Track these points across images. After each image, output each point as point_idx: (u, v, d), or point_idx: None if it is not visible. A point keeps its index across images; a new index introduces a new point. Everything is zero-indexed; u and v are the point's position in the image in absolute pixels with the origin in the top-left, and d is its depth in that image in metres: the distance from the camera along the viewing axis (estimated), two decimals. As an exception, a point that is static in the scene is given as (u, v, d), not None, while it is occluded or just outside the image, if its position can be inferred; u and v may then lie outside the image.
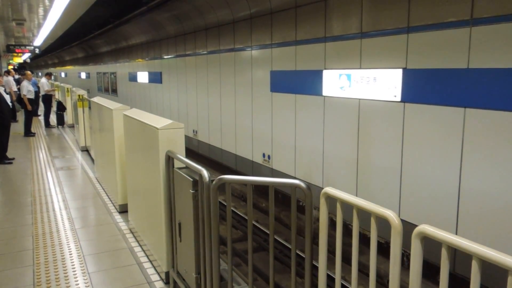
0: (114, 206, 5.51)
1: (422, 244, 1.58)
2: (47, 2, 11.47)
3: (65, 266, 3.83)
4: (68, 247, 4.25)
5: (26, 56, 33.50)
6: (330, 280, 3.41)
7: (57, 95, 15.14)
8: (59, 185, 6.56)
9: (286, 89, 7.36)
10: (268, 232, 6.40)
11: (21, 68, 40.73)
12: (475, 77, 4.20)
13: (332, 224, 4.67)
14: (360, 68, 5.67)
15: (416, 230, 1.58)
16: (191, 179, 2.84)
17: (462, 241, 1.42)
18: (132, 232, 4.61)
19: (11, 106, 9.32)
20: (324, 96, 6.43)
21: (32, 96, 12.18)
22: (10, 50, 21.63)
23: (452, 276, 3.94)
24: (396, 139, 5.20)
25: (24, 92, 11.86)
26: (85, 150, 9.36)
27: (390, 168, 5.31)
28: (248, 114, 8.70)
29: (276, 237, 6.12)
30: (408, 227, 2.12)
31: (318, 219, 2.22)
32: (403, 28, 4.99)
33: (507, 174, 4.03)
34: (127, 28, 14.72)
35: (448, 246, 1.48)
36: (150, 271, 3.76)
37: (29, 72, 13.37)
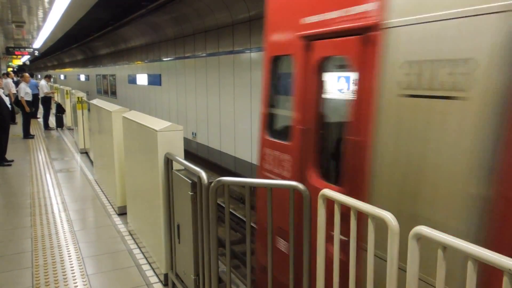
0: (113, 208, 5.51)
1: (418, 245, 1.59)
2: (46, 5, 11.50)
3: (64, 268, 3.83)
4: (67, 249, 4.25)
5: (25, 58, 33.50)
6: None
7: (56, 97, 15.14)
8: (58, 187, 6.56)
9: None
10: (267, 234, 6.38)
11: (20, 71, 40.75)
12: None
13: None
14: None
15: (412, 231, 1.58)
16: (190, 181, 2.85)
17: (458, 242, 1.43)
18: (131, 234, 4.62)
19: (10, 108, 9.31)
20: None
21: (29, 98, 12.16)
22: (9, 52, 21.64)
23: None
24: None
25: (21, 94, 11.85)
26: (84, 152, 9.35)
27: None
28: (247, 116, 8.71)
29: (275, 239, 6.10)
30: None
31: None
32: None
33: None
34: (127, 30, 14.75)
35: (444, 247, 1.49)
36: (149, 273, 3.76)
37: (27, 75, 13.36)
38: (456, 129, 1.77)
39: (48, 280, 3.60)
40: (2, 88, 10.44)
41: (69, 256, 4.08)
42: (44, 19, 14.07)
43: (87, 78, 27.18)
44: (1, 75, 16.71)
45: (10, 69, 33.71)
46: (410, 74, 1.95)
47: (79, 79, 29.82)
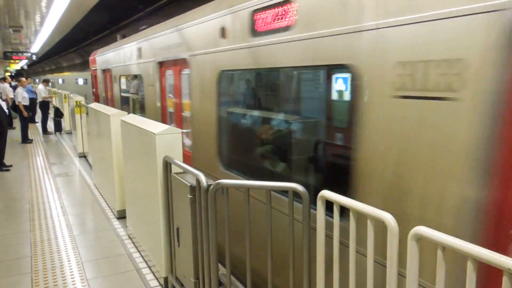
0: (112, 212, 5.50)
1: (418, 245, 1.59)
2: (44, 9, 11.50)
3: (64, 273, 3.82)
4: (67, 253, 4.24)
5: (23, 62, 33.49)
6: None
7: (55, 102, 15.11)
8: (57, 192, 6.54)
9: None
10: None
11: (18, 75, 40.72)
12: None
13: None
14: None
15: (412, 231, 1.58)
16: (189, 184, 2.85)
17: (457, 242, 1.43)
18: (130, 238, 4.61)
19: (7, 113, 9.29)
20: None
21: (26, 102, 12.15)
22: (7, 57, 21.62)
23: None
24: None
25: (19, 99, 11.83)
26: (83, 156, 9.34)
27: None
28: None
29: (275, 241, 6.09)
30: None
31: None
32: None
33: None
34: (124, 33, 14.73)
35: (444, 247, 1.49)
36: (149, 276, 3.75)
37: (23, 79, 13.32)
38: None
39: (48, 285, 3.59)
40: None
41: (68, 261, 4.07)
42: (42, 23, 14.07)
43: (85, 82, 27.13)
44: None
45: (7, 74, 33.69)
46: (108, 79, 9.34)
47: (77, 83, 29.77)
